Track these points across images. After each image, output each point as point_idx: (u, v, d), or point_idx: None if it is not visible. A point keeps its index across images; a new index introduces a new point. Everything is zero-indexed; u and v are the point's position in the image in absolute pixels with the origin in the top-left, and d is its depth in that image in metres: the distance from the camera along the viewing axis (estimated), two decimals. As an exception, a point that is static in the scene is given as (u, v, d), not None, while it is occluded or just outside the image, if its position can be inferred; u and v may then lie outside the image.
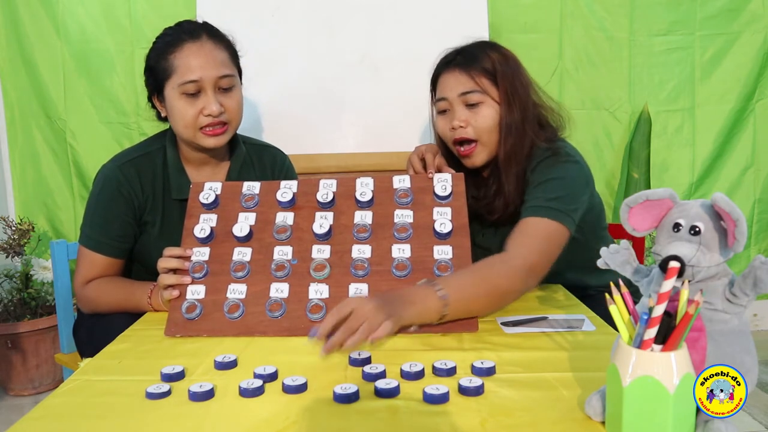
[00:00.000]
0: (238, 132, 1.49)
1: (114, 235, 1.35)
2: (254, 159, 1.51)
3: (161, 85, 1.33)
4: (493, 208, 1.32)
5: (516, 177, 1.29)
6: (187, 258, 1.15)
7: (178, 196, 1.37)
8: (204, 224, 1.18)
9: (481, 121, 1.28)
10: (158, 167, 1.39)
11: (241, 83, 1.40)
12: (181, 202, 1.34)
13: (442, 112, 1.36)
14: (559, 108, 1.39)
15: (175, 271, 1.15)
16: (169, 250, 1.16)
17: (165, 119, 1.41)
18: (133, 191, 1.35)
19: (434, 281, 1.03)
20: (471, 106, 1.29)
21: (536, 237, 1.17)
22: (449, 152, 1.39)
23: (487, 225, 1.38)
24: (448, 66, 1.34)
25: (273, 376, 0.85)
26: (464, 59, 1.32)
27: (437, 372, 0.84)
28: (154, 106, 1.41)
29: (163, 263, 1.15)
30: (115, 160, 1.38)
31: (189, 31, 1.33)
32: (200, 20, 1.40)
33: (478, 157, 1.32)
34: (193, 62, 1.29)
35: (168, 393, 0.81)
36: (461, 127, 1.29)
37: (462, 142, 1.31)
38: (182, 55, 1.30)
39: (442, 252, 1.12)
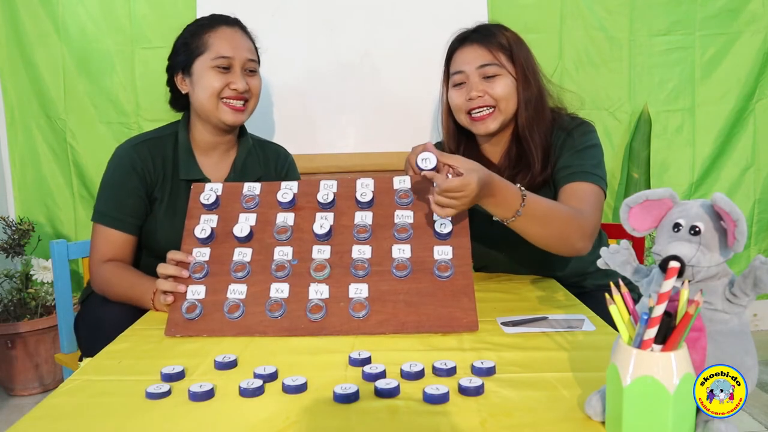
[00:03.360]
0: None
1: (128, 211, 1.39)
2: (259, 152, 1.56)
3: (191, 60, 1.42)
4: (515, 179, 1.34)
5: (542, 147, 1.35)
6: (187, 265, 1.15)
7: (185, 177, 1.42)
8: (204, 225, 1.19)
9: (499, 90, 1.34)
10: (169, 150, 1.45)
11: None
12: (188, 183, 1.39)
13: (457, 85, 1.39)
14: (561, 101, 1.44)
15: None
16: (172, 254, 1.17)
17: (179, 105, 1.48)
18: (146, 168, 1.41)
19: (520, 186, 1.12)
20: (488, 78, 1.35)
21: (594, 204, 1.26)
22: (456, 135, 1.43)
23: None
24: (464, 42, 1.39)
25: (273, 376, 0.85)
26: (481, 36, 1.38)
27: (437, 372, 0.84)
28: (173, 89, 1.48)
29: (162, 269, 1.15)
30: (130, 141, 1.46)
31: (224, 19, 1.47)
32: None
33: (493, 123, 1.36)
34: (228, 43, 1.42)
35: (168, 393, 0.81)
36: (479, 96, 1.34)
37: (478, 110, 1.36)
38: (218, 35, 1.42)
39: (442, 252, 1.12)
